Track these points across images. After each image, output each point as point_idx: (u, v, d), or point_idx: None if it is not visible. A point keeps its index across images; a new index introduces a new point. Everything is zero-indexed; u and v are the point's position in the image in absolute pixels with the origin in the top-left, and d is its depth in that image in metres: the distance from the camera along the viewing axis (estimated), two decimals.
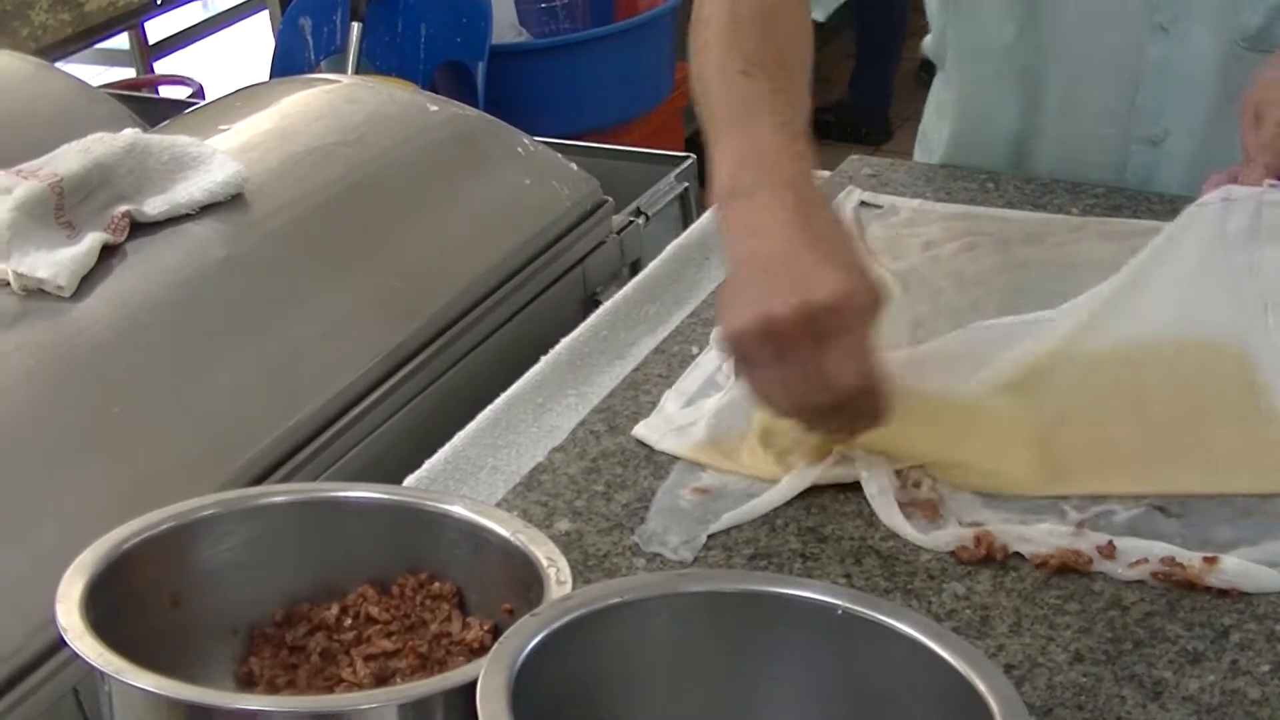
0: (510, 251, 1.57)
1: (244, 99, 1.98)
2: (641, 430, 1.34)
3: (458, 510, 1.12)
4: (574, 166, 1.69)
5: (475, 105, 3.43)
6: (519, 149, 1.71)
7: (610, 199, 1.67)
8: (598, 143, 3.44)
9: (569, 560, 1.18)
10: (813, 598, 0.97)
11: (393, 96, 1.87)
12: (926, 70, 5.64)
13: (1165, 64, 1.61)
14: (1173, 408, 1.29)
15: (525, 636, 0.93)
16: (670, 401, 1.38)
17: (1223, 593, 1.14)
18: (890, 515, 1.22)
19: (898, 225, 1.65)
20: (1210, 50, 1.59)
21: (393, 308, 1.51)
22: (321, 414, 1.42)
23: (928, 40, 1.74)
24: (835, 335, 1.14)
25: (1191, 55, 1.60)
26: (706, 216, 1.69)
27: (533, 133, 1.94)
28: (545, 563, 1.05)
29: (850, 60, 5.30)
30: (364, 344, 1.48)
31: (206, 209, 1.59)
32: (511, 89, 3.55)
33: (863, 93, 5.25)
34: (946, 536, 1.19)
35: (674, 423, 1.34)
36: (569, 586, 1.02)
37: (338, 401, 1.44)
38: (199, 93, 4.16)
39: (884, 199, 1.70)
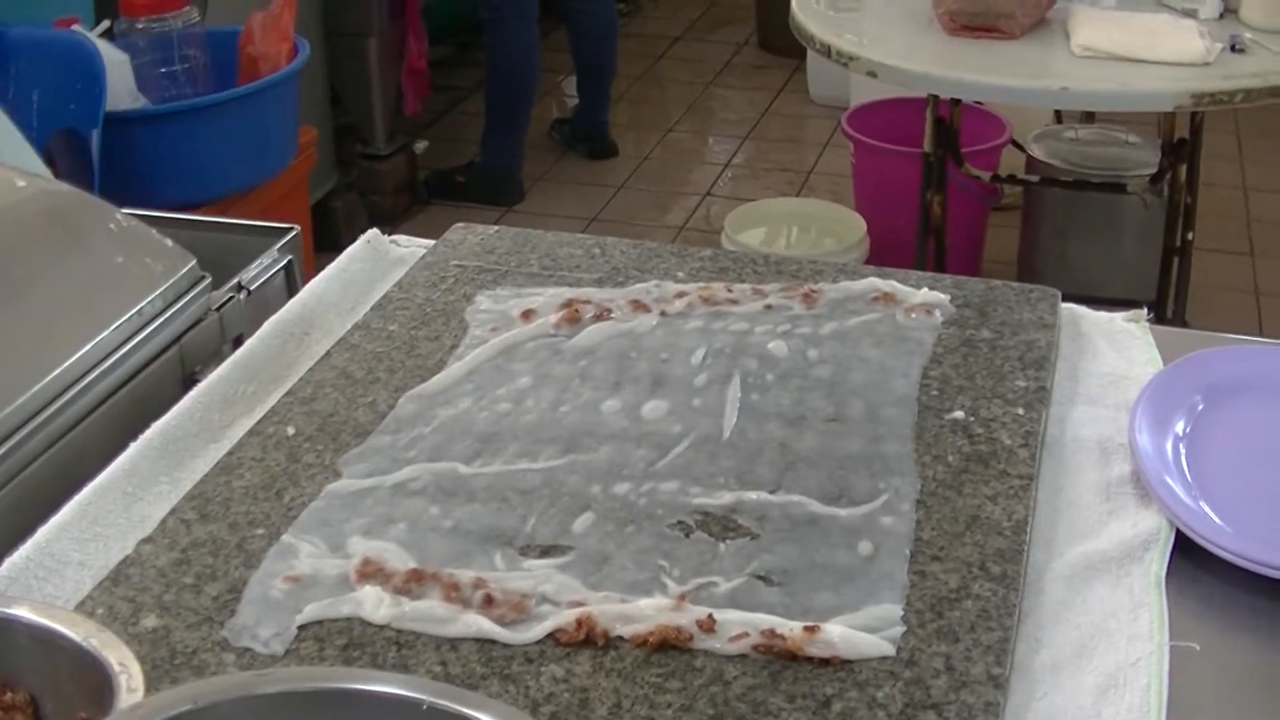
0: (101, 333, 1.49)
1: None
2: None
3: (23, 615, 1.05)
4: (169, 242, 1.62)
5: (90, 174, 3.34)
6: (110, 225, 1.64)
7: (208, 275, 1.61)
8: (222, 211, 3.37)
9: (156, 659, 1.13)
10: (395, 693, 0.93)
11: None
12: (558, 130, 5.69)
13: None
14: None
15: None
16: None
17: (825, 661, 1.13)
18: (475, 625, 1.18)
19: (506, 297, 1.63)
20: None
21: None
22: None
23: None
24: None
25: None
26: (306, 291, 1.65)
27: (155, 202, 1.85)
28: (117, 668, 0.99)
29: (481, 119, 5.29)
30: None
31: None
32: (132, 157, 3.45)
33: (493, 153, 5.24)
34: (543, 626, 1.16)
35: None
36: (140, 694, 0.97)
37: None
38: None
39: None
